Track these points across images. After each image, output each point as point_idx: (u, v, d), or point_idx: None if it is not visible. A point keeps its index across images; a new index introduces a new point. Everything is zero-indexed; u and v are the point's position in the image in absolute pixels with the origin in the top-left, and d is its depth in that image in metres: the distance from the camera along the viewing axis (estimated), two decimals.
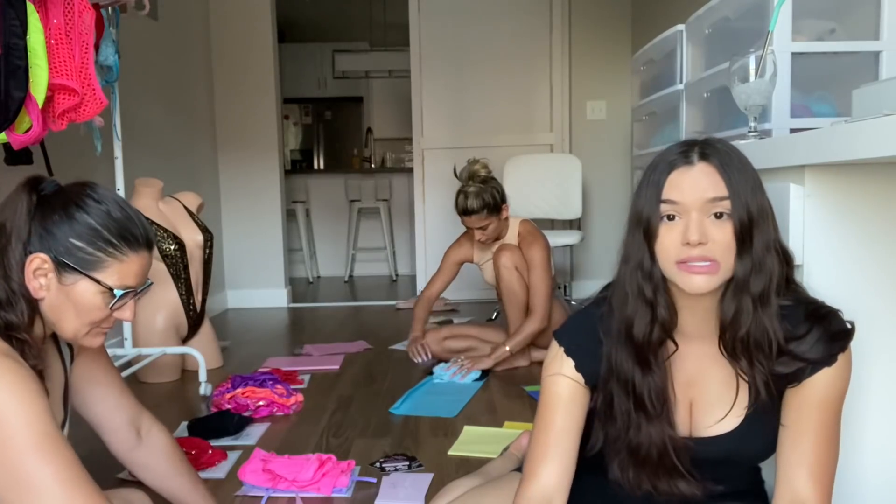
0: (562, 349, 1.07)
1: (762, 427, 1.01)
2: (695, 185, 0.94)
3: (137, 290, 1.12)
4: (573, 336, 1.09)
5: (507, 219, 2.78)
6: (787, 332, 0.97)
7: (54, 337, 1.19)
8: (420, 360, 2.78)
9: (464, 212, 2.67)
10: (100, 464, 1.90)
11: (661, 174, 0.96)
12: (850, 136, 0.94)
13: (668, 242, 0.95)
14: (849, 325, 0.98)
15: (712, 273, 0.93)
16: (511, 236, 2.80)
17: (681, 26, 2.10)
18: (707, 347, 1.03)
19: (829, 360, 0.96)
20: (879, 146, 0.87)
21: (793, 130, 1.48)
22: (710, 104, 1.94)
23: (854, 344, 0.98)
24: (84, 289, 1.05)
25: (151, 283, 1.17)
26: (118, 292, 1.08)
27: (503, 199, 2.71)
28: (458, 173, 2.74)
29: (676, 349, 1.02)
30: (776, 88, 1.41)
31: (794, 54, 1.52)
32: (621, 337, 1.02)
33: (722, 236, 0.93)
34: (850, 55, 1.57)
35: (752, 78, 1.36)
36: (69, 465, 0.95)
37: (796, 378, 0.97)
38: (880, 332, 1.15)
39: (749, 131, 1.40)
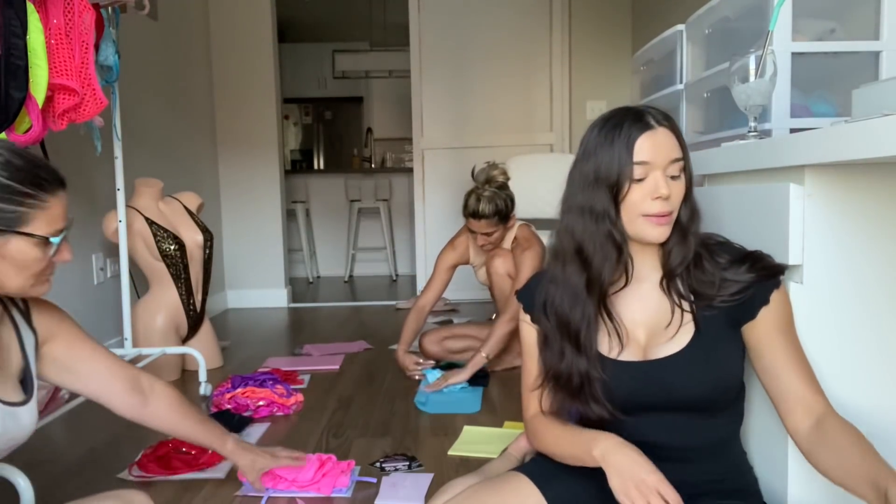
0: (521, 305, 1.28)
1: (702, 356, 1.10)
2: (661, 148, 1.06)
3: (68, 229, 1.12)
4: (527, 293, 1.27)
5: (511, 228, 2.72)
6: (727, 261, 1.11)
7: (13, 320, 1.19)
8: (419, 376, 2.67)
9: (473, 214, 2.58)
10: (100, 463, 1.92)
11: (627, 138, 1.07)
12: (850, 136, 0.94)
13: (638, 198, 1.07)
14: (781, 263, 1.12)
15: (670, 224, 1.09)
16: (508, 240, 2.74)
17: (681, 26, 2.09)
18: (649, 287, 1.16)
19: (774, 282, 1.08)
20: (879, 146, 0.87)
21: (793, 130, 1.48)
22: (710, 104, 1.94)
23: (855, 343, 0.98)
24: (18, 246, 1.06)
25: (72, 218, 1.17)
26: (55, 240, 1.09)
27: (512, 209, 2.64)
28: (475, 174, 2.65)
29: (626, 286, 1.15)
30: (776, 88, 1.40)
31: (793, 54, 1.52)
32: (568, 279, 1.14)
33: (679, 191, 1.09)
34: (849, 55, 1.57)
35: (752, 78, 1.35)
36: None
37: (746, 308, 1.08)
38: (881, 332, 1.15)
39: (749, 131, 1.40)
